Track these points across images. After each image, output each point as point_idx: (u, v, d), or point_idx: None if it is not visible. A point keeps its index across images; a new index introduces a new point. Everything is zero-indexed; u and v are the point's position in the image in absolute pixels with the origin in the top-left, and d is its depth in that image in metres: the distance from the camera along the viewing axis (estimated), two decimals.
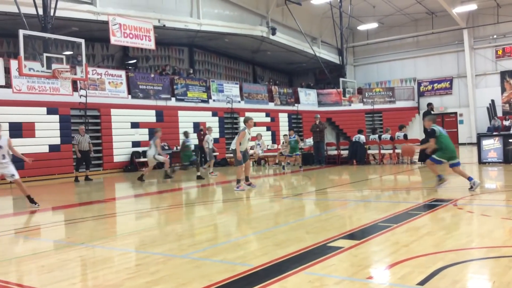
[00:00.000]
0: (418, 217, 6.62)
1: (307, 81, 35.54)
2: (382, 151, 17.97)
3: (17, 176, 9.23)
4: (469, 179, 8.98)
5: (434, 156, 9.13)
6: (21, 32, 13.15)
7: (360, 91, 32.39)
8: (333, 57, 33.03)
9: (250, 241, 5.60)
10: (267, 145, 22.39)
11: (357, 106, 31.47)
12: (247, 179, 11.26)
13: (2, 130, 9.45)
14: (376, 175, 14.25)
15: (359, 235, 5.69)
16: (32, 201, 9.26)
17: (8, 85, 16.01)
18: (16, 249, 6.04)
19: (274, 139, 26.14)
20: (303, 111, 29.34)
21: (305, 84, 34.05)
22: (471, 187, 8.88)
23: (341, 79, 28.30)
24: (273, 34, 27.45)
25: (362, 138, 18.04)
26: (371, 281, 3.95)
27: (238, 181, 10.90)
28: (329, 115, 30.51)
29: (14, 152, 9.27)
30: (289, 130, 19.28)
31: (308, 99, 30.77)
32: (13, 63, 15.50)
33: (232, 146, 11.03)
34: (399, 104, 31.78)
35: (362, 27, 32.94)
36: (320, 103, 31.40)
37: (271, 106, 27.60)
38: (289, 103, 28.99)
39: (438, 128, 9.14)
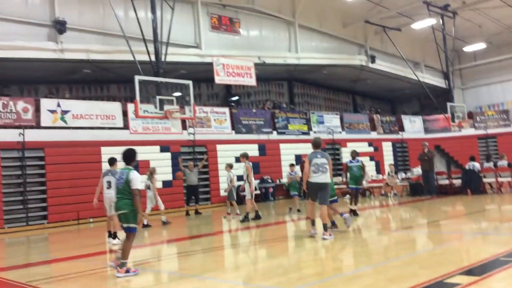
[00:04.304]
0: None
1: (411, 108, 34.29)
2: (500, 179, 16.62)
3: None
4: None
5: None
6: (137, 78, 14.32)
7: (470, 115, 30.41)
8: (438, 81, 31.61)
9: (361, 275, 5.45)
10: (371, 176, 21.79)
11: (468, 131, 29.52)
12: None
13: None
14: (494, 205, 13.20)
15: (479, 270, 5.29)
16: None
17: (125, 126, 17.46)
18: (141, 281, 6.39)
19: (379, 169, 25.34)
20: (409, 139, 28.20)
21: (409, 111, 32.85)
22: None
23: (448, 104, 26.84)
24: (373, 62, 27.08)
25: (477, 165, 16.82)
26: None
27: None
28: (438, 142, 28.95)
29: None
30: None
31: (413, 126, 29.58)
32: (130, 107, 16.90)
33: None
34: None
35: (468, 48, 31.29)
36: (426, 130, 30.00)
37: (373, 135, 26.94)
38: (392, 132, 28.08)
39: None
